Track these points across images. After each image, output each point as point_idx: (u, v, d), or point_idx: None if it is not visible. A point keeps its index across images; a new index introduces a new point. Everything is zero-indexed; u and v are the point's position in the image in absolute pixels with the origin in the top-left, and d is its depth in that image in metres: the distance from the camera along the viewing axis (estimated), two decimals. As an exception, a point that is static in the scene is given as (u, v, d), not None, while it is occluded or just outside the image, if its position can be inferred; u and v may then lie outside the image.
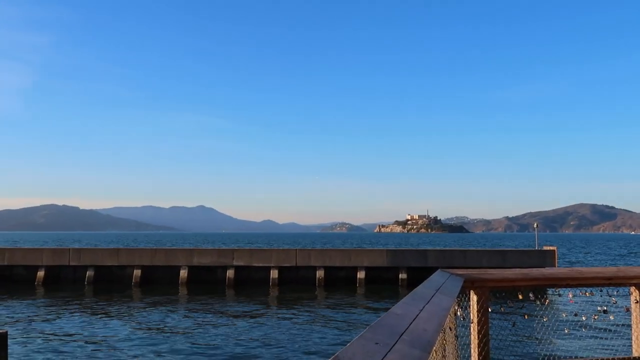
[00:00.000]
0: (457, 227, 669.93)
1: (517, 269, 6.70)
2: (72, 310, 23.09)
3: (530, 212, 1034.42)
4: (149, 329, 18.94)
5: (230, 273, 33.39)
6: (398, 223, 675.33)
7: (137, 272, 33.63)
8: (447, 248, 39.76)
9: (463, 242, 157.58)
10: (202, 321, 20.52)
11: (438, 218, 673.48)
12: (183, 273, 33.40)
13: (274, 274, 33.30)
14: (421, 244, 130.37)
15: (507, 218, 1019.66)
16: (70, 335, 17.75)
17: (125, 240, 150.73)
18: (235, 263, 33.50)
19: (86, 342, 16.53)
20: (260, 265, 33.62)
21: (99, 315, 21.82)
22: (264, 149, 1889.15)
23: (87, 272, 33.72)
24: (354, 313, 22.81)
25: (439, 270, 5.92)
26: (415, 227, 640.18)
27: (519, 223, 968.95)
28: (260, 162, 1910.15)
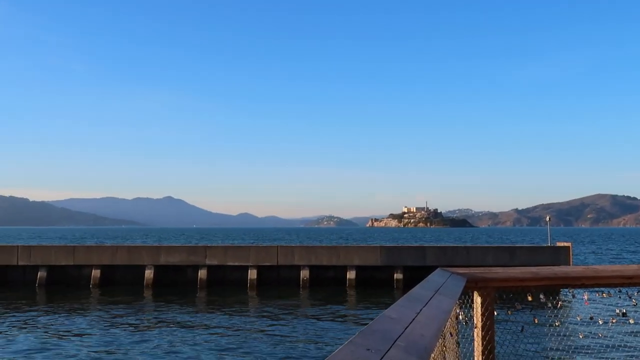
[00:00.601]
0: (460, 221, 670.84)
1: (527, 268, 6.59)
2: (20, 319, 22.96)
3: (542, 204, 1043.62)
4: (106, 340, 18.90)
5: (202, 273, 33.41)
6: (393, 216, 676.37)
7: (95, 273, 33.52)
8: (449, 244, 39.99)
9: (466, 237, 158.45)
10: (169, 329, 20.50)
11: (438, 211, 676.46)
12: (148, 273, 33.36)
13: (252, 274, 33.36)
14: (419, 240, 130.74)
15: (516, 211, 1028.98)
16: (12, 345, 17.64)
17: (83, 237, 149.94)
18: (208, 262, 33.51)
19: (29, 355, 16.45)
20: (237, 264, 33.63)
21: (52, 323, 21.73)
22: (241, 134, 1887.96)
23: (39, 273, 33.51)
24: (343, 317, 22.90)
25: (438, 269, 5.82)
26: (412, 221, 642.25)
27: (530, 216, 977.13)
28: (238, 149, 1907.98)
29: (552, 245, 35.63)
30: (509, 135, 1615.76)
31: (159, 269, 33.67)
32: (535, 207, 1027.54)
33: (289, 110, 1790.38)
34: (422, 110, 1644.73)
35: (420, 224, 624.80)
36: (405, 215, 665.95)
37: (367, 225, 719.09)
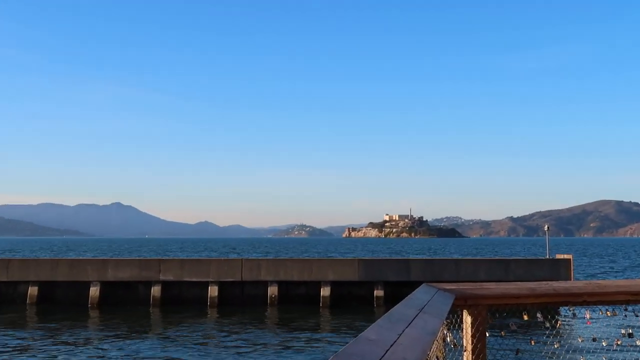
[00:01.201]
0: (448, 231, 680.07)
1: (523, 283, 6.66)
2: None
3: (540, 212, 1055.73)
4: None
5: (155, 290, 33.26)
6: (373, 225, 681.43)
7: (32, 290, 33.13)
8: (435, 257, 40.32)
9: (455, 249, 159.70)
10: (115, 354, 20.30)
11: (424, 219, 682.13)
12: (94, 291, 33.07)
13: (213, 291, 33.26)
14: (402, 252, 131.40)
15: (511, 219, 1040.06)
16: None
17: (18, 249, 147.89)
18: (162, 277, 33.38)
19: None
20: (195, 280, 33.55)
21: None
22: (201, 132, 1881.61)
23: (-34, 291, 32.97)
24: (316, 340, 22.86)
25: (424, 284, 5.89)
26: (395, 230, 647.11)
27: (526, 225, 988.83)
28: (197, 149, 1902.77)
29: (551, 257, 35.89)
30: (503, 136, 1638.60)
31: (106, 286, 33.40)
32: (532, 215, 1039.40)
33: (255, 108, 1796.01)
34: (406, 107, 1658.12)
35: (404, 234, 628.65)
36: (387, 224, 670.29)
37: (344, 235, 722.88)
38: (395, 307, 3.76)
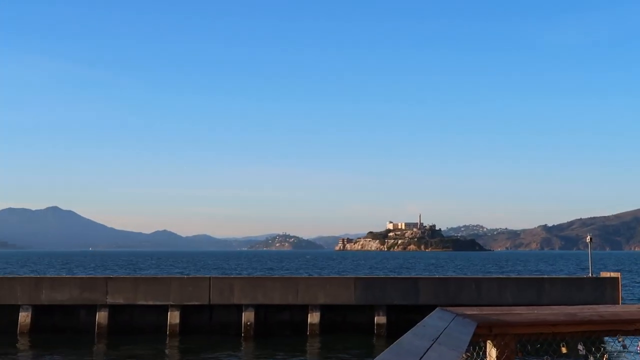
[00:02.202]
0: (467, 242, 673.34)
1: (560, 307, 6.76)
2: None
3: (581, 219, 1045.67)
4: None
5: (101, 316, 32.94)
6: (374, 236, 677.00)
7: (-53, 316, 32.82)
8: (451, 275, 40.39)
9: (476, 265, 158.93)
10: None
11: (436, 228, 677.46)
12: (24, 317, 32.75)
13: (174, 317, 33.06)
14: (410, 269, 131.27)
15: (545, 228, 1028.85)
16: None
17: None
18: (109, 300, 33.06)
19: None
20: (152, 303, 33.31)
21: None
22: (160, 119, 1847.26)
23: None
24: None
25: (437, 309, 5.96)
26: (400, 242, 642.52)
27: (563, 236, 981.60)
28: (155, 141, 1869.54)
29: (594, 276, 35.81)
30: (535, 128, 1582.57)
31: (39, 311, 33.14)
32: (570, 224, 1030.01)
33: (227, 91, 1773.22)
34: (414, 95, 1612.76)
35: (412, 247, 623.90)
36: (390, 234, 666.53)
37: (337, 248, 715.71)
38: (403, 337, 3.73)
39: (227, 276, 34.39)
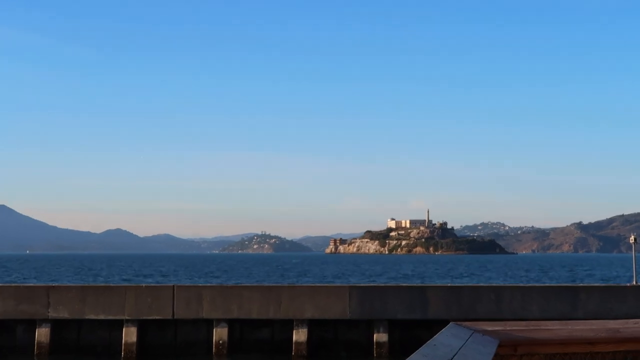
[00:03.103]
0: (486, 244, 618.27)
1: (599, 322, 7.31)
2: None
3: (623, 215, 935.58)
4: None
5: (41, 333, 30.90)
6: (372, 235, 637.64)
7: None
8: (466, 284, 38.93)
9: (496, 271, 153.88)
10: None
11: (448, 226, 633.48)
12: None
13: (130, 334, 31.07)
14: (416, 276, 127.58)
15: (579, 226, 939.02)
16: None
17: None
18: (52, 314, 31.20)
19: None
20: (103, 317, 31.43)
21: None
22: (110, 100, 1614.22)
23: None
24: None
25: (451, 324, 6.29)
26: (404, 243, 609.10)
27: (602, 235, 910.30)
28: (103, 124, 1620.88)
29: (639, 284, 34.66)
30: (569, 108, 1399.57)
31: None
32: (610, 221, 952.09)
33: (189, 65, 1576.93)
34: (422, 58, 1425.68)
35: (418, 249, 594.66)
36: (393, 233, 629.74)
37: (328, 250, 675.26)
38: (410, 358, 4.07)
39: (194, 284, 35.08)
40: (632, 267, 37.94)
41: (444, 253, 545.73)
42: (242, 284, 33.39)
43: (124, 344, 31.12)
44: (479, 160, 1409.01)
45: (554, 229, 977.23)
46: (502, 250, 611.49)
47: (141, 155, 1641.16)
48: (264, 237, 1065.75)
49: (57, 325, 31.43)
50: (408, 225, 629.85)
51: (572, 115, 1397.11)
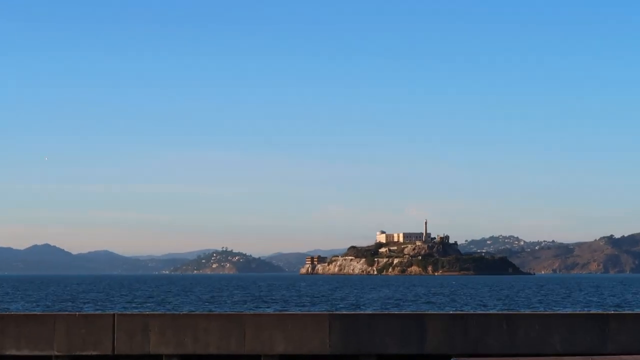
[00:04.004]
0: (496, 262, 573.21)
1: (634, 357, 9.09)
2: None
3: None
4: None
5: None
6: (357, 252, 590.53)
7: None
8: (471, 311, 34.63)
9: (508, 294, 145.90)
10: None
11: (451, 241, 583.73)
12: None
13: None
14: (411, 301, 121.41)
15: (610, 241, 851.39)
16: None
17: None
18: None
19: None
20: (27, 353, 28.36)
21: None
22: (34, 86, 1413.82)
23: None
24: None
25: None
26: (397, 261, 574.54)
27: (637, 252, 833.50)
28: (32, 126, 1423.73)
29: None
30: (594, 103, 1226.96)
31: None
32: None
33: (133, 38, 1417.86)
34: (421, 47, 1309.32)
35: (414, 268, 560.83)
36: (383, 249, 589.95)
37: (303, 270, 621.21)
38: None
39: (139, 312, 31.21)
40: None
41: (445, 273, 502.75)
42: (198, 312, 29.57)
43: (53, 384, 28.95)
44: (487, 161, 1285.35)
45: (579, 244, 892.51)
46: (516, 270, 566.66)
47: (71, 154, 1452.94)
48: (225, 255, 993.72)
49: (-30, 363, 29.47)
50: (401, 240, 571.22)
51: (599, 109, 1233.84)
